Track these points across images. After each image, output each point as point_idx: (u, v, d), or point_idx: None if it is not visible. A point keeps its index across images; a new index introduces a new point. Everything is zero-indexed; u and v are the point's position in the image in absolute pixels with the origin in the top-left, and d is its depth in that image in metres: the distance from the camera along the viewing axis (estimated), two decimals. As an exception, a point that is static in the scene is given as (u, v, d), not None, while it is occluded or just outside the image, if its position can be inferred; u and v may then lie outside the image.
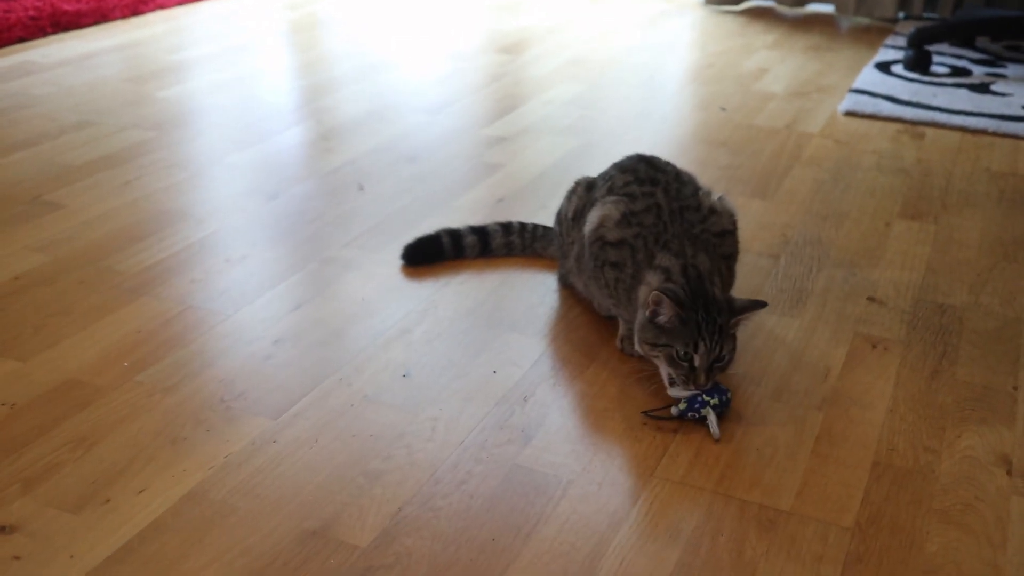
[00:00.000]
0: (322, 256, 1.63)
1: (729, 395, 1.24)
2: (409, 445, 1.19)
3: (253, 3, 3.34)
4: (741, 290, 1.55)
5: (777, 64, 2.75)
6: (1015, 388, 1.32)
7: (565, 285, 1.55)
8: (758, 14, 3.32)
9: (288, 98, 2.41)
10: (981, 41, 2.99)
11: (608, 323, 1.45)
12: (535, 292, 1.53)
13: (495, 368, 1.34)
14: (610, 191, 1.40)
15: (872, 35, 3.08)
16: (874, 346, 1.41)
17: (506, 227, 1.63)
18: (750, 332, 1.44)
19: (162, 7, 3.20)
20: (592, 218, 1.37)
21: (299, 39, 2.94)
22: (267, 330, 1.42)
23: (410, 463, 1.16)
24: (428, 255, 1.61)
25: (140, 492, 1.10)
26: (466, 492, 1.11)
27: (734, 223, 1.37)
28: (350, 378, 1.31)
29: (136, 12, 3.12)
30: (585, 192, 1.47)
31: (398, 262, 1.61)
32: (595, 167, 2.01)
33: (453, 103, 2.39)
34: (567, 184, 1.92)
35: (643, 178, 1.38)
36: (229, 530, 1.05)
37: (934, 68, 2.71)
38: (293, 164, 2.01)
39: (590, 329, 1.44)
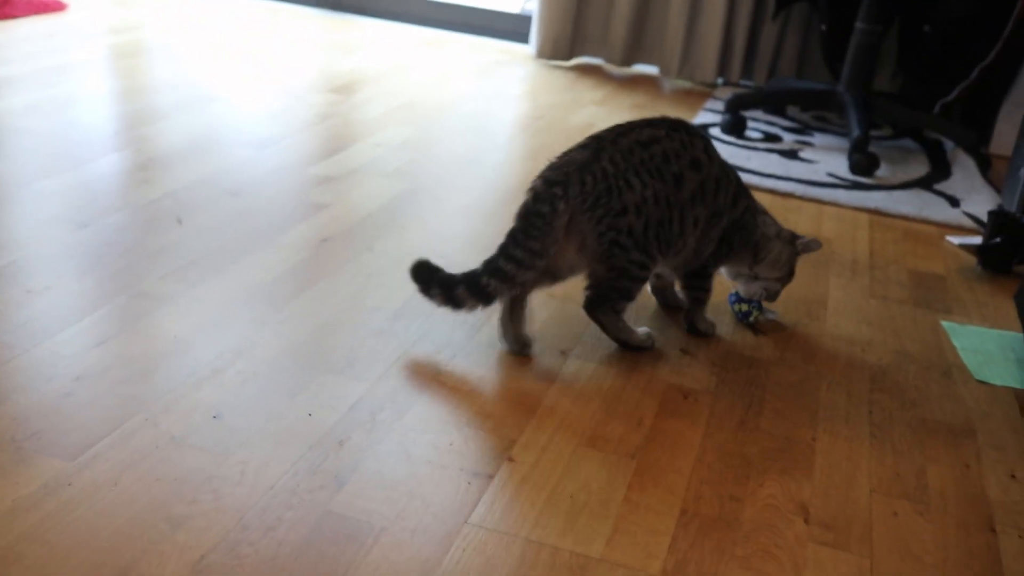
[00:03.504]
0: (134, 290, 1.56)
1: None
2: (216, 489, 1.14)
3: (75, 24, 3.20)
4: (563, 337, 1.57)
5: (604, 120, 2.83)
6: (814, 439, 1.39)
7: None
8: (587, 71, 3.43)
9: (106, 124, 2.31)
10: (792, 110, 3.18)
11: (428, 368, 1.44)
12: (356, 335, 1.51)
13: (311, 411, 1.31)
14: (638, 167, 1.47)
15: (693, 98, 3.23)
16: (685, 396, 1.46)
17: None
18: (570, 377, 1.46)
19: (-27, 22, 3.03)
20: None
21: (122, 64, 2.84)
22: (68, 366, 1.34)
23: (216, 508, 1.11)
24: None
25: (-87, 538, 1.01)
26: (274, 539, 1.08)
27: None
28: (156, 418, 1.25)
29: (-57, 25, 2.94)
30: (603, 179, 1.45)
31: (215, 298, 1.56)
32: (423, 212, 2.01)
33: (281, 140, 2.35)
34: (393, 227, 1.92)
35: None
36: (13, 580, 0.98)
37: (749, 133, 2.85)
38: (107, 193, 1.92)
39: (411, 372, 1.43)
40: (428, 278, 1.48)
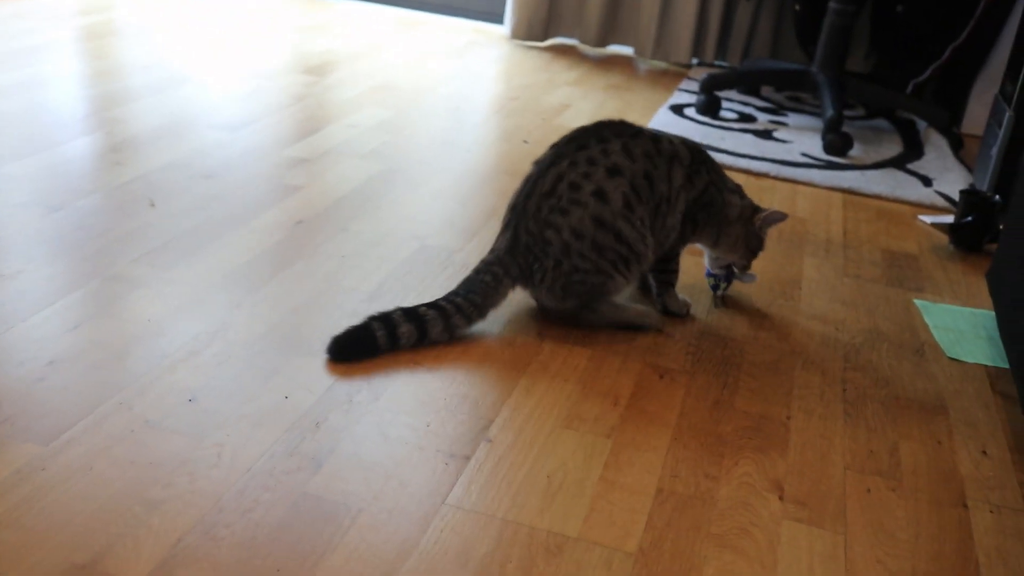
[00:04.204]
0: (107, 273, 1.55)
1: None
2: (192, 472, 1.14)
3: (45, 5, 3.16)
4: (539, 319, 1.57)
5: (578, 100, 2.83)
6: (788, 418, 1.40)
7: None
8: (562, 51, 3.42)
9: (77, 107, 2.29)
10: (766, 90, 3.18)
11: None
12: (331, 317, 1.51)
13: (287, 393, 1.31)
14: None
15: (668, 78, 3.23)
16: (661, 376, 1.46)
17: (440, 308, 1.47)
18: (546, 358, 1.46)
19: (-61, 2, 2.99)
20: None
21: (92, 46, 2.80)
22: (41, 350, 1.33)
23: (192, 491, 1.11)
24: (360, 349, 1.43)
25: None
26: (251, 521, 1.07)
27: None
28: (131, 402, 1.25)
29: (-92, 5, 2.89)
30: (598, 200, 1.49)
31: (190, 281, 1.55)
32: (398, 193, 2.00)
33: (254, 121, 2.33)
34: (368, 208, 1.91)
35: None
36: (-13, 565, 0.97)
37: (723, 113, 2.86)
38: (79, 176, 1.90)
39: (386, 355, 1.43)
40: (356, 338, 1.42)
